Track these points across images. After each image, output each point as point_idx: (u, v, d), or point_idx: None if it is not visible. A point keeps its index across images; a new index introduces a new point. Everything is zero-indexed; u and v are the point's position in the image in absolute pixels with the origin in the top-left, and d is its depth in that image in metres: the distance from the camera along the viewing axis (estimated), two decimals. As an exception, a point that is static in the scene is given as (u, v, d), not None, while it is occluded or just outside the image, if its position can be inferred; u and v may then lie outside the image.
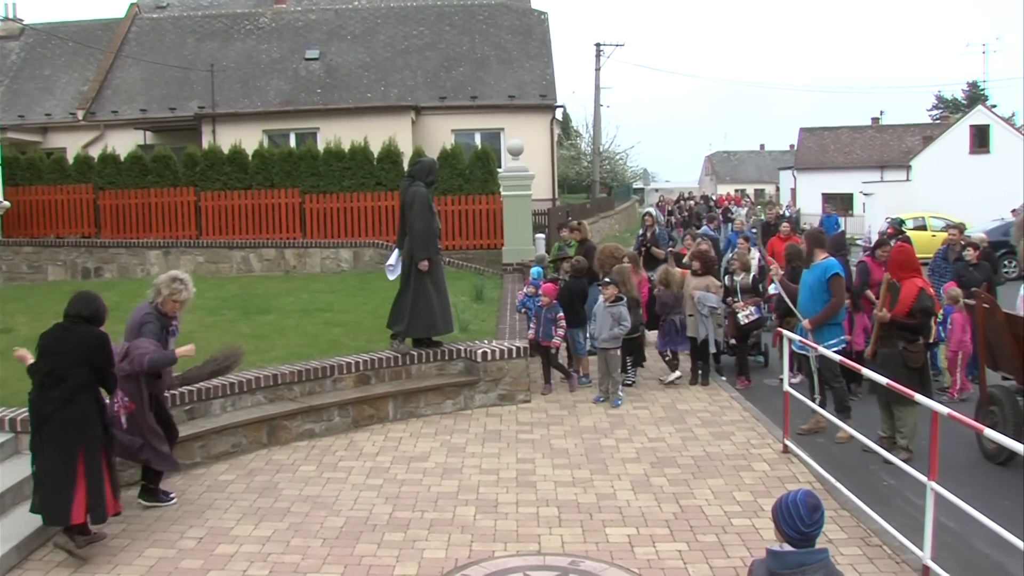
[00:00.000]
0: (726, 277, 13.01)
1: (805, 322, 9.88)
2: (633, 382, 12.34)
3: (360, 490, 8.29)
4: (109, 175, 22.29)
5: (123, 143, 26.95)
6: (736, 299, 12.53)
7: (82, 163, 22.93)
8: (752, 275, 12.96)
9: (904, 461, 7.53)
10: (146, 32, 35.44)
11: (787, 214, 32.61)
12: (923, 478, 6.28)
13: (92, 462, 6.61)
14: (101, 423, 6.76)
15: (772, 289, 11.97)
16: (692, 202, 50.51)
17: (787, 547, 3.97)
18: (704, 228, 20.56)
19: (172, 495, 7.97)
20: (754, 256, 14.80)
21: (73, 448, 6.55)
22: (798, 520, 3.94)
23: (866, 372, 8.16)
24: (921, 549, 6.26)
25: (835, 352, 9.32)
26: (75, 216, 21.98)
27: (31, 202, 22.03)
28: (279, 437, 9.67)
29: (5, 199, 20.67)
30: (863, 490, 7.83)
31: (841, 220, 32.30)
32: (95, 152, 24.63)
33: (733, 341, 12.86)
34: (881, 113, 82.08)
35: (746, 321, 12.42)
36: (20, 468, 7.54)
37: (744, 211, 36.04)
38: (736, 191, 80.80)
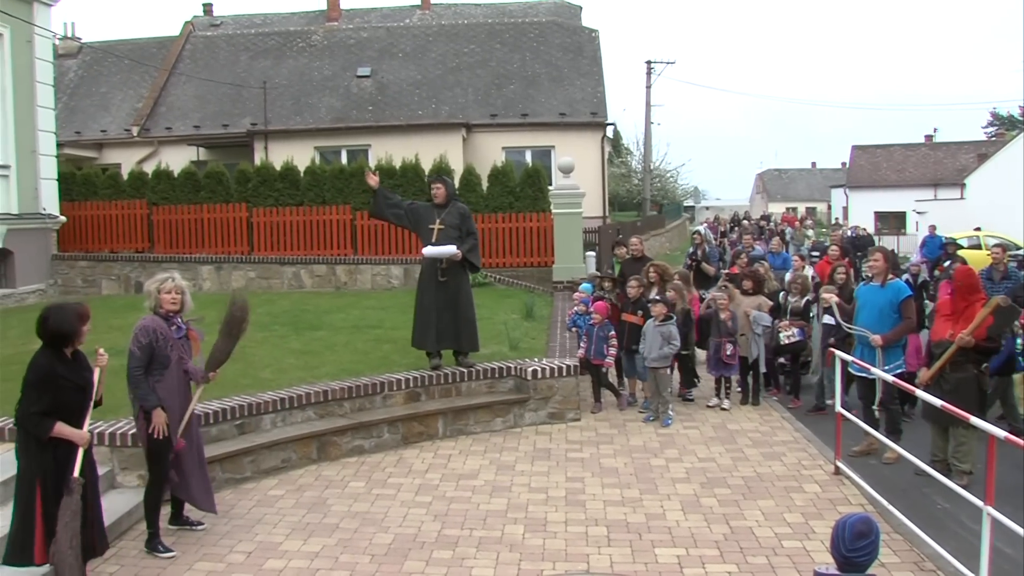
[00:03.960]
0: (780, 295, 12.86)
1: (877, 338, 9.68)
2: (692, 399, 12.39)
3: (409, 507, 8.30)
4: (163, 191, 22.75)
5: (176, 159, 27.46)
6: (783, 319, 12.38)
7: (136, 179, 23.43)
8: (806, 299, 12.67)
9: (963, 486, 7.38)
10: (200, 50, 36.02)
11: (850, 234, 31.95)
12: (979, 502, 6.14)
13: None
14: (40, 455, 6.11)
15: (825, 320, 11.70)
16: (747, 222, 50.10)
17: (834, 570, 3.92)
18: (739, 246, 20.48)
19: (172, 552, 7.25)
20: (807, 272, 14.63)
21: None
22: (840, 543, 3.91)
23: (921, 395, 8.01)
24: (977, 575, 6.14)
25: (895, 376, 9.15)
26: (129, 231, 22.44)
27: (86, 217, 22.50)
28: (329, 453, 9.71)
29: (61, 214, 21.01)
30: (916, 513, 7.68)
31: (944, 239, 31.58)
32: (149, 168, 25.14)
33: (782, 361, 12.72)
34: (935, 130, 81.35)
35: (786, 342, 12.25)
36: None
37: (794, 231, 35.64)
38: (787, 209, 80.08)
